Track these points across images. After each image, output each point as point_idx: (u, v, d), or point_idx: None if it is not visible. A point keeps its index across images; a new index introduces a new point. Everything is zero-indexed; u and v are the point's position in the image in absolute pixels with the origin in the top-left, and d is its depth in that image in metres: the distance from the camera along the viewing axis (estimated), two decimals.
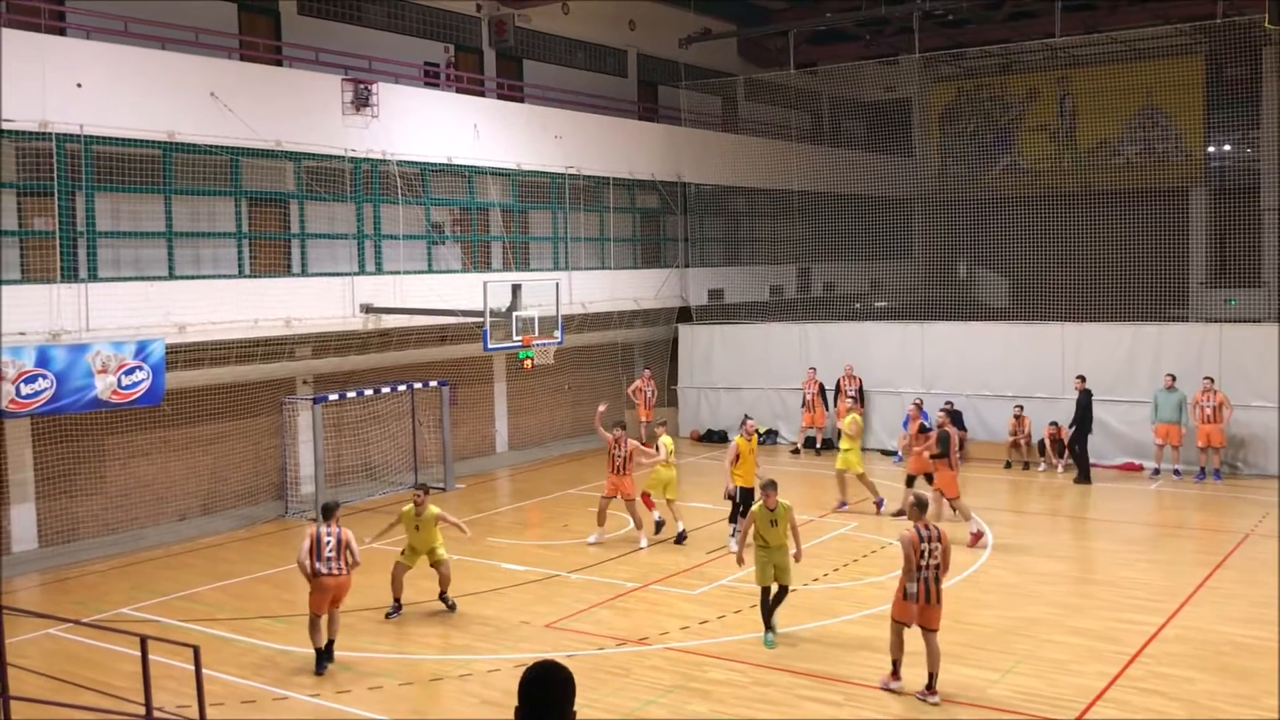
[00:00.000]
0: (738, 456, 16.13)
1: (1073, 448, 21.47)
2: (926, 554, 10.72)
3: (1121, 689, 10.96)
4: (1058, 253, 27.05)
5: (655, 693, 11.14)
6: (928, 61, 30.57)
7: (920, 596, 10.71)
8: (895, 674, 11.01)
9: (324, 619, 11.96)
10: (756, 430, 16.82)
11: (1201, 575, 14.82)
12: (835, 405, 24.71)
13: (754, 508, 12.68)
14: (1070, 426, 21.42)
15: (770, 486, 12.51)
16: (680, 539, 16.83)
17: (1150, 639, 12.35)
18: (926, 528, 10.83)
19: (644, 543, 16.71)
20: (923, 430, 18.36)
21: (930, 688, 10.73)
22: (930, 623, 10.75)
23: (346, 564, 11.95)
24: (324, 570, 11.85)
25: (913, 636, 10.85)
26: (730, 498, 16.25)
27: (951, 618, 13.12)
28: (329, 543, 11.90)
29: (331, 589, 11.90)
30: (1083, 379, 21.43)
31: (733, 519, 16.29)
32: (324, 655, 11.95)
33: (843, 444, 18.69)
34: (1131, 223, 26.49)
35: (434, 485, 21.61)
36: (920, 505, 11.25)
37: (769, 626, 12.43)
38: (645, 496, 17.17)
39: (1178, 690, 10.91)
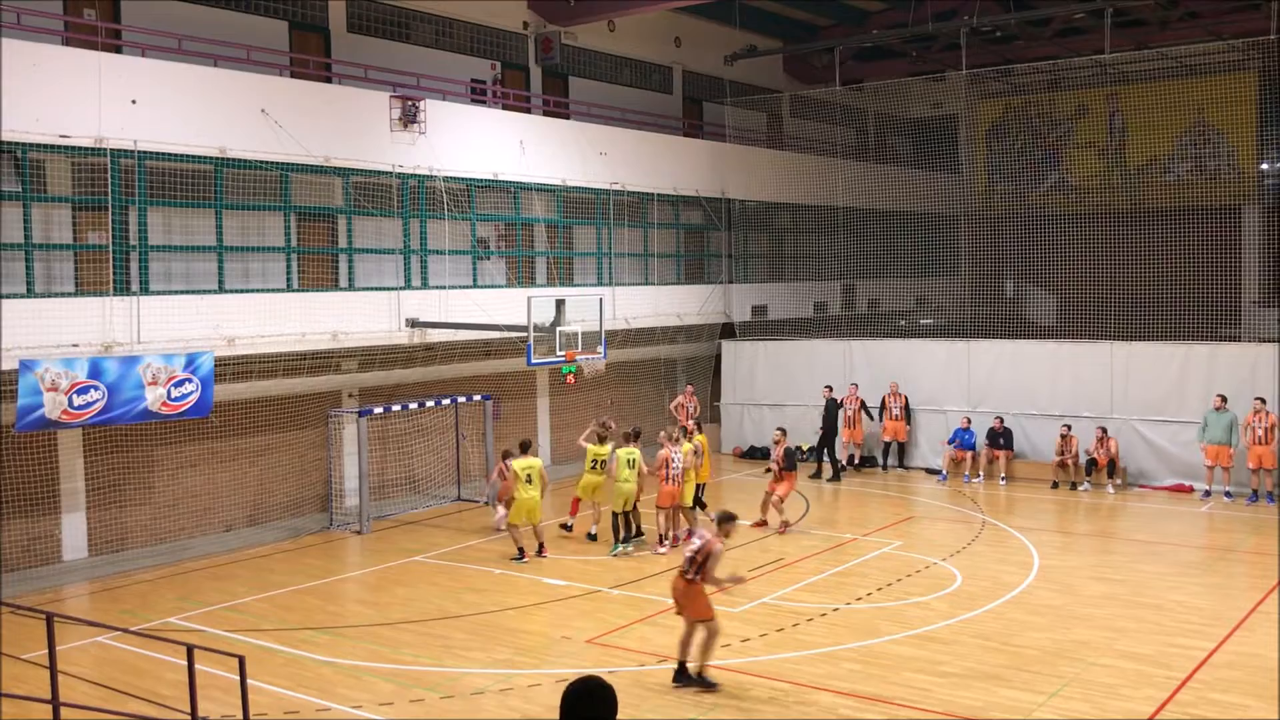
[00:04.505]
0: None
1: (820, 452, 23.92)
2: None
3: (1172, 714, 10.77)
4: (1107, 270, 26.73)
5: (697, 710, 11.08)
6: (975, 78, 30.36)
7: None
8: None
9: (689, 632, 11.73)
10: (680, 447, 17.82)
11: (1254, 600, 14.54)
12: (881, 422, 24.63)
13: None
14: (817, 432, 24.06)
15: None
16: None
17: (1201, 664, 12.13)
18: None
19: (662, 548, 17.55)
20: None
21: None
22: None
23: (698, 573, 11.61)
24: (683, 571, 11.81)
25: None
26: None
27: (997, 639, 13.04)
28: (696, 545, 11.80)
29: (679, 592, 11.78)
30: (830, 389, 24.39)
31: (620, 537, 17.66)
32: (680, 670, 11.74)
33: (622, 474, 17.79)
34: (1182, 240, 26.13)
35: (475, 500, 21.73)
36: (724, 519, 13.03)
37: None
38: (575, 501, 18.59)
39: (1230, 717, 10.71)
